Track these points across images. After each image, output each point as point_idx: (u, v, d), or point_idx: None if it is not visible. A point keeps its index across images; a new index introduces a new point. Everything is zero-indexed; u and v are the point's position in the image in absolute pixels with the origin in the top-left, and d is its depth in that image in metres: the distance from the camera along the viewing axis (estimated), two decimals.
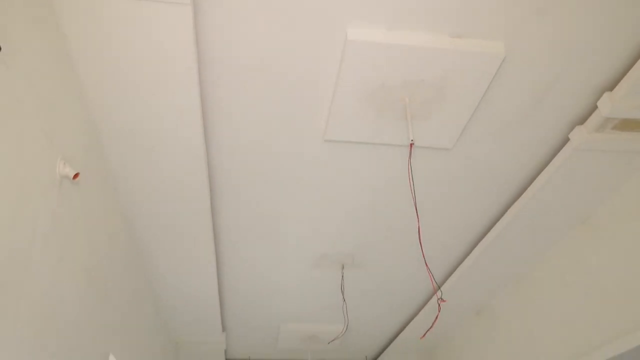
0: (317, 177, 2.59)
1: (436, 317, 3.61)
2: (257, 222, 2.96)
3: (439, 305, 3.37)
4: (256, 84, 2.03)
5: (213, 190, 2.65)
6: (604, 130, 2.17)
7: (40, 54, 1.56)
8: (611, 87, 2.07)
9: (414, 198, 2.40)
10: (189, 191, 2.47)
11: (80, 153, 1.91)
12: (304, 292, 3.86)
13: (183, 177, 2.38)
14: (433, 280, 2.95)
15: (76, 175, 1.74)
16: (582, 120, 2.23)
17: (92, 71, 1.85)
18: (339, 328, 4.31)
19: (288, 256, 3.34)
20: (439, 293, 3.06)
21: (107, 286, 2.35)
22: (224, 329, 4.54)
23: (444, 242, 3.14)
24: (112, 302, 2.46)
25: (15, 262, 1.45)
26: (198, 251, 3.02)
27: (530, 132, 2.32)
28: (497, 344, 3.63)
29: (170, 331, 4.23)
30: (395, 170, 2.53)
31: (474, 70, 1.94)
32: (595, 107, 2.14)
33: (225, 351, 5.09)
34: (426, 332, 3.82)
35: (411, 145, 2.04)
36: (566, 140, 2.31)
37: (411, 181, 2.35)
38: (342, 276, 3.51)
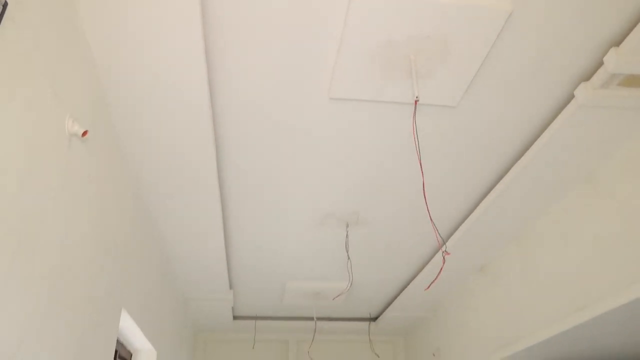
0: (322, 136, 2.61)
1: (440, 269, 3.68)
2: (262, 181, 3.00)
3: (444, 257, 3.43)
4: (261, 42, 2.03)
5: (218, 149, 2.68)
6: (610, 86, 2.16)
7: (46, 11, 1.56)
8: (618, 42, 2.05)
9: (419, 155, 2.41)
10: (194, 150, 2.50)
11: (87, 111, 1.93)
12: (309, 251, 3.93)
13: (188, 135, 2.40)
14: (437, 234, 2.99)
15: (85, 133, 1.76)
16: (588, 76, 2.22)
17: (98, 29, 1.84)
18: (343, 285, 4.40)
19: (293, 215, 3.39)
20: (442, 244, 3.11)
21: (116, 243, 2.41)
22: (231, 286, 4.65)
23: (448, 200, 3.18)
24: (122, 258, 2.53)
25: (29, 217, 1.49)
26: (205, 210, 3.07)
27: (535, 89, 2.32)
28: (500, 300, 3.72)
29: (179, 288, 4.34)
30: (400, 129, 2.54)
31: (480, 25, 1.92)
32: (601, 63, 2.13)
33: (233, 308, 5.22)
34: (430, 283, 3.90)
35: (416, 102, 2.04)
36: (571, 97, 2.31)
37: (416, 138, 2.36)
38: (347, 234, 3.57)
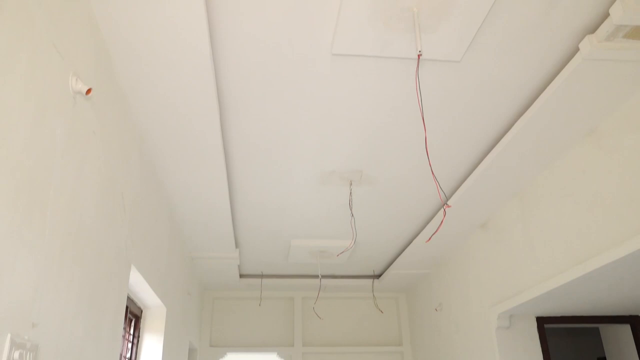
0: (325, 93, 2.61)
1: (441, 222, 3.72)
2: (266, 139, 3.01)
3: (444, 210, 3.47)
4: None
5: (222, 107, 2.68)
6: (615, 39, 2.14)
7: None
8: None
9: (421, 109, 2.41)
10: (197, 106, 2.50)
11: (91, 68, 1.93)
12: (314, 209, 3.98)
13: (191, 91, 2.40)
14: (438, 187, 3.01)
15: (89, 91, 1.77)
16: (593, 29, 2.20)
17: None
18: (347, 243, 4.48)
19: (297, 173, 3.42)
20: (444, 198, 3.15)
21: (124, 200, 2.45)
22: (237, 245, 4.73)
23: (451, 156, 3.19)
24: (130, 216, 2.57)
25: (38, 175, 1.52)
26: (209, 168, 3.10)
27: (539, 43, 2.30)
28: (501, 255, 3.78)
29: (186, 247, 4.42)
30: (403, 84, 2.54)
31: None
32: (606, 15, 2.11)
33: (239, 266, 5.33)
34: (431, 235, 3.95)
35: (419, 56, 2.03)
36: (576, 50, 2.29)
37: (418, 94, 2.36)
38: (351, 192, 3.60)
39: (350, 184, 3.53)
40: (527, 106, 2.70)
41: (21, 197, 1.41)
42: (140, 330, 3.46)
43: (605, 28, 2.10)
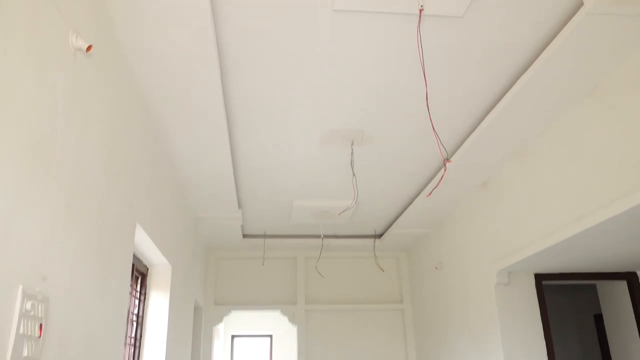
0: (326, 51, 2.59)
1: (442, 176, 3.75)
2: (267, 99, 3.01)
3: (445, 165, 3.49)
4: None
5: (223, 68, 2.67)
6: None
7: None
8: None
9: (423, 66, 2.40)
10: (198, 65, 2.49)
11: (91, 27, 1.92)
12: (315, 169, 4.01)
13: (192, 51, 2.38)
14: (439, 142, 3.02)
15: (89, 48, 1.76)
16: None
17: None
18: (349, 203, 4.52)
19: (298, 134, 3.43)
20: (444, 153, 3.16)
21: (127, 158, 2.47)
22: (240, 205, 4.78)
23: (453, 114, 3.19)
24: (134, 174, 2.60)
25: (42, 132, 1.54)
26: (211, 128, 3.11)
27: None
28: (501, 213, 3.82)
29: (190, 208, 4.47)
30: (404, 41, 2.51)
31: None
32: None
33: (242, 227, 5.40)
34: (432, 189, 3.98)
35: (420, 11, 2.01)
36: (580, 4, 2.26)
37: (420, 49, 2.34)
38: (352, 152, 3.61)
39: (352, 144, 3.54)
40: (530, 63, 2.68)
41: (25, 153, 1.43)
42: (147, 288, 3.54)
43: None
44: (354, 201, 4.28)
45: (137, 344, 3.33)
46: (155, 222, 3.12)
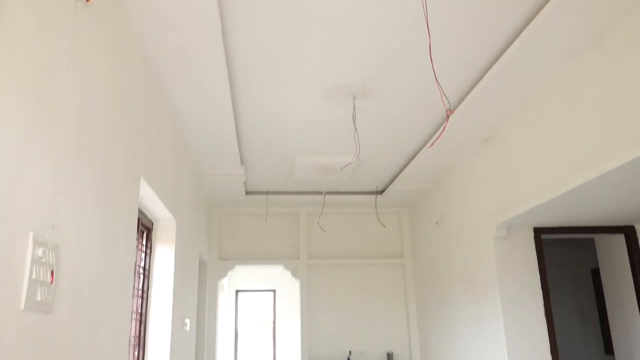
0: (327, 6, 2.55)
1: (444, 127, 3.75)
2: (269, 54, 2.98)
3: (447, 116, 3.49)
4: None
5: (224, 18, 2.64)
6: None
7: None
8: None
9: (426, 14, 2.36)
10: (199, 18, 2.46)
11: None
12: (317, 124, 4.01)
13: (193, 2, 2.35)
14: (441, 92, 3.00)
15: None
16: None
17: None
18: (351, 159, 4.54)
19: (300, 88, 3.42)
20: (447, 104, 3.16)
21: (130, 111, 2.48)
22: (242, 162, 4.80)
23: (456, 68, 3.16)
24: (137, 127, 2.61)
25: (45, 83, 1.54)
26: (212, 83, 3.10)
27: None
28: (502, 168, 3.84)
29: (193, 164, 4.50)
30: None
31: None
32: None
33: (245, 183, 5.44)
34: (434, 141, 3.99)
35: None
36: None
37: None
38: (354, 107, 3.61)
39: (354, 98, 3.53)
40: (533, 16, 2.64)
41: (30, 102, 1.45)
42: (152, 242, 3.61)
43: None
44: (356, 156, 4.30)
45: (145, 296, 3.43)
46: (159, 177, 3.15)
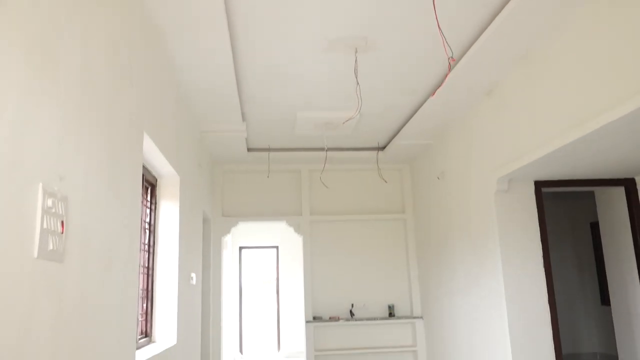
0: None
1: (446, 75, 3.73)
2: (269, 7, 2.93)
3: (449, 64, 3.47)
4: None
5: None
6: None
7: None
8: None
9: None
10: None
11: None
12: (318, 79, 3.98)
13: None
14: (444, 41, 2.97)
15: None
16: None
17: None
18: (352, 114, 4.52)
19: (301, 41, 3.37)
20: (449, 52, 3.13)
21: (131, 68, 2.47)
22: (244, 118, 4.79)
23: (459, 21, 3.11)
24: (139, 85, 2.60)
25: (47, 33, 1.54)
26: (213, 36, 3.06)
27: None
28: (504, 122, 3.84)
29: (195, 121, 4.49)
30: None
31: None
32: None
33: (247, 140, 5.44)
34: (436, 90, 3.97)
35: None
36: None
37: None
38: (356, 60, 3.57)
39: (356, 52, 3.49)
40: None
41: (33, 55, 1.45)
42: (157, 198, 3.65)
43: None
44: (358, 111, 4.29)
45: (151, 250, 3.49)
46: (162, 133, 3.16)
